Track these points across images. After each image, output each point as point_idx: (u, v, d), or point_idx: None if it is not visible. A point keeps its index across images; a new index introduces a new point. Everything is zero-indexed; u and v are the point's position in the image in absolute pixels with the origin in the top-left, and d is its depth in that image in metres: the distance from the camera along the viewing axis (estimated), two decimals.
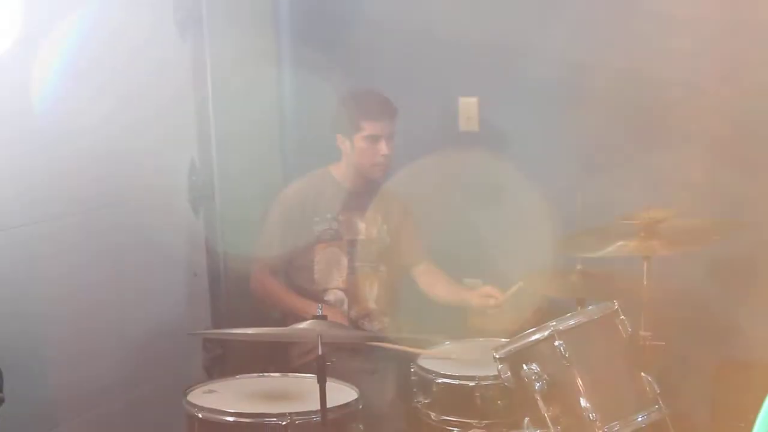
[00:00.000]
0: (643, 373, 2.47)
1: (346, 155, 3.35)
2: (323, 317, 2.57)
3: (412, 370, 2.94)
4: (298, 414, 2.52)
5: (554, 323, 2.47)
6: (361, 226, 3.39)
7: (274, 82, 3.96)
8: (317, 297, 3.32)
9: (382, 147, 3.28)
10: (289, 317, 3.27)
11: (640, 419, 2.43)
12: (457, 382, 2.83)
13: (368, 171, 3.35)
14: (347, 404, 2.64)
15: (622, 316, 2.52)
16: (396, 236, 3.47)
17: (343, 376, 2.83)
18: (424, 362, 2.96)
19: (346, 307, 3.35)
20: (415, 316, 3.45)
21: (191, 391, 2.74)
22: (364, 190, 3.41)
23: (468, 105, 3.69)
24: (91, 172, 2.98)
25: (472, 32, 3.62)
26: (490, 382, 2.76)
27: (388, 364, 3.20)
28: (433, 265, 3.52)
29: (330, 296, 3.35)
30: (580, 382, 2.41)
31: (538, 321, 2.82)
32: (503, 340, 2.64)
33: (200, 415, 2.58)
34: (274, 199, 3.43)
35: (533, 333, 2.49)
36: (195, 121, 3.48)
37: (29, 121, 2.76)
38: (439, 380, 2.85)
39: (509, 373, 2.50)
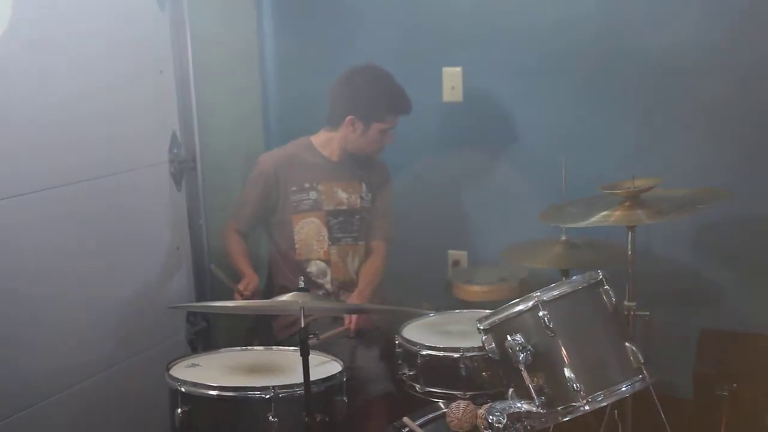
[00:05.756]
0: (627, 343, 2.47)
1: (346, 134, 3.31)
2: (305, 290, 2.57)
3: (396, 342, 2.94)
4: (281, 387, 2.52)
5: (538, 294, 2.46)
6: (343, 196, 3.37)
7: (255, 52, 3.92)
8: (300, 267, 3.32)
9: (391, 137, 3.32)
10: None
11: (624, 389, 2.43)
12: (441, 353, 2.83)
13: (366, 153, 3.35)
14: (331, 377, 2.64)
15: (607, 286, 2.51)
16: (375, 203, 3.46)
17: (327, 348, 2.83)
18: (408, 334, 2.96)
19: (329, 278, 3.34)
20: (397, 287, 3.45)
21: (174, 364, 2.73)
22: (348, 161, 3.38)
23: (452, 75, 3.66)
24: (70, 145, 2.95)
25: (455, 0, 3.59)
26: (474, 353, 2.77)
27: (372, 336, 3.20)
28: (384, 246, 3.48)
29: (312, 267, 3.34)
30: (564, 352, 2.41)
31: (523, 292, 2.83)
32: (487, 311, 2.64)
33: (183, 389, 2.57)
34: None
35: (517, 304, 2.48)
36: (176, 93, 3.43)
37: (8, 96, 2.72)
38: (424, 352, 2.85)
39: (493, 345, 2.50)
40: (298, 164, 3.33)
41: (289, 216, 3.32)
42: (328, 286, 3.34)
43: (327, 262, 3.35)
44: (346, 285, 3.36)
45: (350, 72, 3.31)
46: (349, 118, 3.27)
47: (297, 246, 3.33)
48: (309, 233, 3.32)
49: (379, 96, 3.27)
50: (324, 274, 3.34)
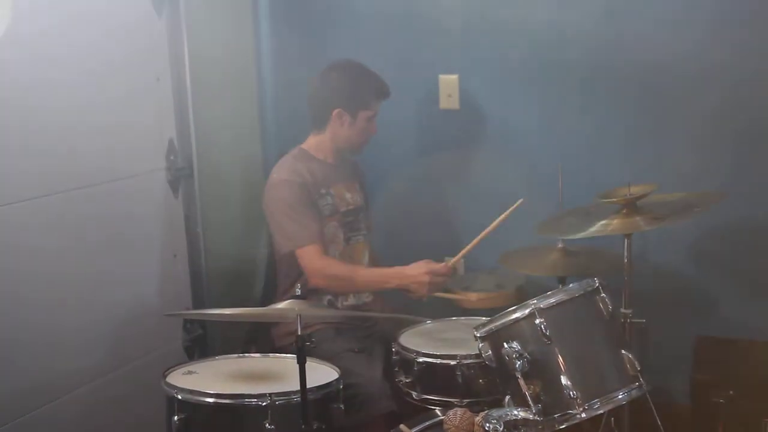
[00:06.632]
0: (623, 351, 2.47)
1: (335, 130, 3.30)
2: (302, 297, 2.56)
3: (393, 349, 2.94)
4: (278, 395, 2.51)
5: (535, 301, 2.47)
6: (348, 196, 3.37)
7: (253, 59, 3.92)
8: None
9: (375, 126, 3.31)
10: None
11: (620, 396, 2.43)
12: (438, 361, 2.82)
13: (356, 147, 3.35)
14: (328, 384, 2.63)
15: (603, 294, 2.51)
16: (368, 201, 3.49)
17: (325, 356, 2.83)
18: (405, 341, 2.96)
19: None
20: (395, 294, 3.44)
21: (171, 372, 2.73)
22: (341, 162, 3.39)
23: (448, 82, 3.67)
24: (68, 152, 2.96)
25: (452, 8, 3.59)
26: (471, 360, 2.76)
27: (370, 343, 3.19)
28: None
29: None
30: (560, 360, 2.42)
31: (519, 299, 2.82)
32: (484, 318, 2.64)
33: (180, 397, 2.57)
34: (260, 185, 3.34)
35: (514, 311, 2.49)
36: (173, 100, 3.44)
37: (5, 102, 2.72)
38: (421, 359, 2.84)
39: (490, 352, 2.50)
40: (309, 172, 3.29)
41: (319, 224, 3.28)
42: None
43: None
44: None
45: (324, 70, 3.32)
46: (335, 111, 3.26)
47: None
48: (328, 237, 3.29)
49: (359, 84, 3.27)
50: None
